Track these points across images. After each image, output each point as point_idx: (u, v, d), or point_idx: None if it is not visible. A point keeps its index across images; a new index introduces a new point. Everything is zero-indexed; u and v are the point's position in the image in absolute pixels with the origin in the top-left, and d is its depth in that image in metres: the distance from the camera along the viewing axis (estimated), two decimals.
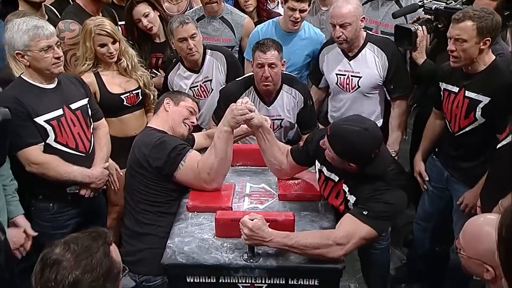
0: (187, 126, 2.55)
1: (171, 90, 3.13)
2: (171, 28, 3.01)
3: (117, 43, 2.83)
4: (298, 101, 2.92)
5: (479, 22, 2.29)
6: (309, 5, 3.18)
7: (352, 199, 2.12)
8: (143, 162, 2.34)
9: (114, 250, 1.33)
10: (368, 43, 2.90)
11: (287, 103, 2.92)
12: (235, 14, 3.51)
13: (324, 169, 2.27)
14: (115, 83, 2.90)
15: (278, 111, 2.89)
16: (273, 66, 2.75)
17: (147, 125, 2.56)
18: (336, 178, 2.21)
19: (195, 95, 3.14)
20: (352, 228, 1.98)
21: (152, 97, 3.03)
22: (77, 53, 2.87)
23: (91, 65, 2.84)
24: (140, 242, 2.35)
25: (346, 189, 2.16)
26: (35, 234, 2.35)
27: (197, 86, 3.17)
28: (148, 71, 3.17)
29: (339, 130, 2.03)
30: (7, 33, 2.32)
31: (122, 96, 2.90)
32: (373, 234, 2.00)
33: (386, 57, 2.84)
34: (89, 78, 2.82)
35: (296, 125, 3.07)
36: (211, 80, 3.16)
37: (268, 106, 2.91)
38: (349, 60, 2.98)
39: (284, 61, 2.86)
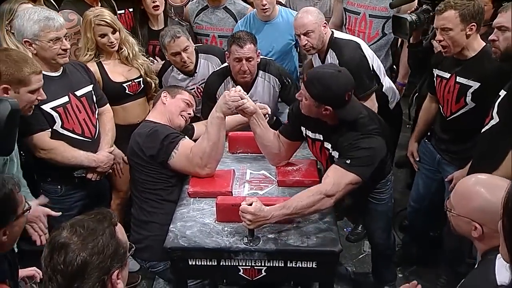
0: (184, 118, 2.61)
1: None
2: (163, 42, 2.99)
3: (117, 33, 2.85)
4: (273, 85, 2.99)
5: (461, 10, 2.35)
6: None
7: (336, 154, 2.25)
8: (139, 152, 2.42)
9: (119, 230, 1.36)
10: (330, 49, 2.94)
11: (263, 88, 2.99)
12: (238, 4, 3.53)
13: (309, 133, 2.39)
14: (117, 72, 2.94)
15: (257, 98, 2.94)
16: (250, 59, 2.82)
17: (145, 119, 2.61)
18: (321, 137, 2.33)
19: None
20: (338, 178, 2.11)
21: (153, 85, 3.07)
22: (79, 44, 2.90)
23: (93, 55, 2.88)
24: (145, 230, 2.44)
25: (329, 146, 2.29)
26: (59, 213, 2.27)
27: (193, 88, 3.18)
28: (148, 59, 3.19)
29: (315, 74, 2.22)
30: (17, 20, 2.36)
31: (124, 85, 2.94)
32: (358, 180, 2.13)
33: (338, 63, 2.87)
34: (91, 67, 2.84)
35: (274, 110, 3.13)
36: None
37: (247, 94, 2.95)
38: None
39: (259, 52, 2.92)
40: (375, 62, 3.01)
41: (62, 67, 2.51)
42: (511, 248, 1.24)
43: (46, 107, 2.42)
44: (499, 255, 1.38)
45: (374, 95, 2.95)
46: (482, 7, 2.40)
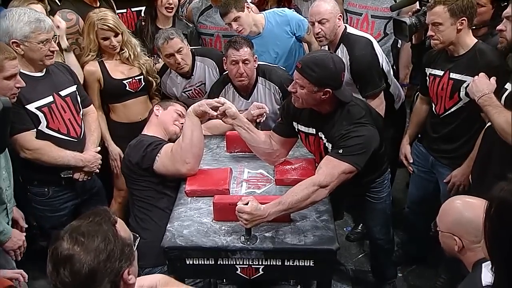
0: (178, 127, 2.66)
1: (165, 92, 3.22)
2: (157, 44, 3.01)
3: (120, 36, 2.89)
4: (273, 92, 3.00)
5: (450, 5, 2.38)
6: (239, 10, 3.09)
7: (329, 146, 2.26)
8: (127, 162, 2.51)
9: (120, 226, 1.32)
10: (341, 44, 2.94)
11: (264, 94, 3.00)
12: None
13: (302, 127, 2.40)
14: (118, 70, 2.98)
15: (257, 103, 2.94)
16: (246, 62, 2.84)
17: (140, 133, 2.65)
18: (314, 131, 2.35)
19: (189, 97, 3.20)
20: (331, 169, 2.10)
21: (155, 84, 3.11)
22: (81, 44, 2.93)
23: (95, 56, 2.93)
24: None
25: (322, 135, 2.30)
26: (26, 226, 2.43)
27: (190, 90, 3.20)
28: (152, 57, 3.22)
29: (310, 59, 2.23)
30: (5, 21, 2.34)
31: (125, 82, 2.97)
32: (352, 169, 2.12)
33: (349, 59, 2.88)
34: (93, 66, 2.92)
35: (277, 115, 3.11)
36: (205, 83, 3.19)
37: (247, 99, 2.99)
38: None
39: (256, 57, 2.93)
40: (384, 61, 3.02)
41: (45, 68, 2.50)
42: (490, 249, 1.31)
43: (31, 107, 2.41)
44: (485, 263, 1.46)
45: (382, 93, 2.96)
46: (473, 2, 2.42)
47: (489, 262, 1.45)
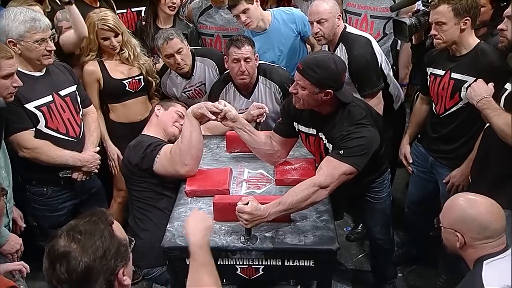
0: (177, 128, 2.66)
1: (165, 93, 3.23)
2: (157, 44, 3.01)
3: (120, 36, 2.90)
4: (274, 91, 3.01)
5: (454, 4, 2.37)
6: (249, 2, 3.09)
7: (330, 146, 2.27)
8: (126, 163, 2.51)
9: (117, 227, 1.34)
10: (340, 43, 2.95)
11: (264, 93, 3.01)
12: None
13: (302, 127, 2.41)
14: (117, 70, 2.99)
15: (258, 102, 2.94)
16: (248, 60, 2.85)
17: (141, 133, 2.65)
18: (314, 131, 2.35)
19: (189, 97, 3.21)
20: (331, 170, 2.11)
21: (154, 84, 3.11)
22: (81, 44, 2.92)
23: (95, 56, 2.93)
24: (138, 237, 2.44)
25: (323, 136, 2.30)
26: (24, 225, 2.44)
27: (190, 90, 3.20)
28: (152, 57, 3.22)
29: (311, 60, 2.23)
30: (2, 20, 2.34)
31: (124, 82, 2.98)
32: (353, 170, 2.12)
33: (348, 58, 2.88)
34: (93, 66, 2.92)
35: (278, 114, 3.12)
36: (205, 84, 3.19)
37: (248, 98, 3.00)
38: None
39: (257, 56, 2.94)
40: (383, 61, 3.02)
41: (45, 67, 2.50)
42: None
43: (30, 106, 2.41)
44: (486, 261, 1.51)
45: (380, 93, 2.96)
46: (477, 2, 2.42)
47: (490, 259, 1.47)
